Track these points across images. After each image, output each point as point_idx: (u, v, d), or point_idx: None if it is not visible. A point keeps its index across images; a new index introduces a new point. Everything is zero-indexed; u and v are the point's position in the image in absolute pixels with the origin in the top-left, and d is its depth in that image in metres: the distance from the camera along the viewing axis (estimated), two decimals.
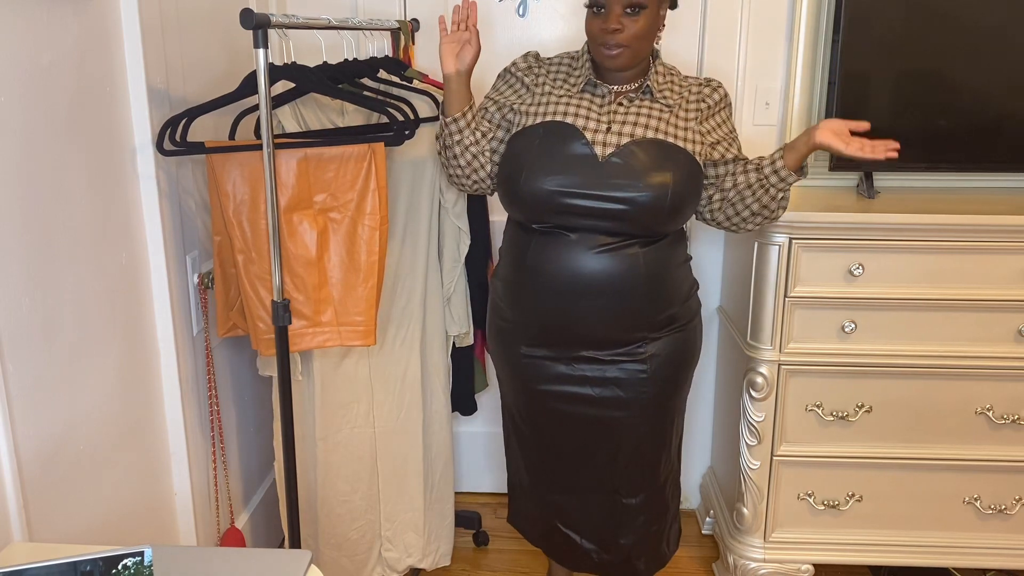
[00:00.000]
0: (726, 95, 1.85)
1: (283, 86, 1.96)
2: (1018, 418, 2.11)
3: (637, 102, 1.77)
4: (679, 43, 2.45)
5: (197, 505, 1.97)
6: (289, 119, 1.95)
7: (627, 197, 1.69)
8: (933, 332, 2.08)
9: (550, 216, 1.75)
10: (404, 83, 2.07)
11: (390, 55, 2.19)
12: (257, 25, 1.52)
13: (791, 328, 2.10)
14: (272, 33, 1.60)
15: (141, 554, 1.05)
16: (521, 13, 2.50)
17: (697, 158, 1.76)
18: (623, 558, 1.98)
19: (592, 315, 1.77)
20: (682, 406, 1.98)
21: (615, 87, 1.78)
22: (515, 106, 1.82)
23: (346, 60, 1.96)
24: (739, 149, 1.84)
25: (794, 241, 2.04)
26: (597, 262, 1.73)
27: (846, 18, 2.17)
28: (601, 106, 1.76)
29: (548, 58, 1.88)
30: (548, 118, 1.76)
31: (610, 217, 1.71)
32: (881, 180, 2.32)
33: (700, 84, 1.83)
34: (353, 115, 2.00)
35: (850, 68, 2.20)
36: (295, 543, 1.86)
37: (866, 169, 2.28)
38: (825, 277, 2.06)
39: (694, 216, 1.87)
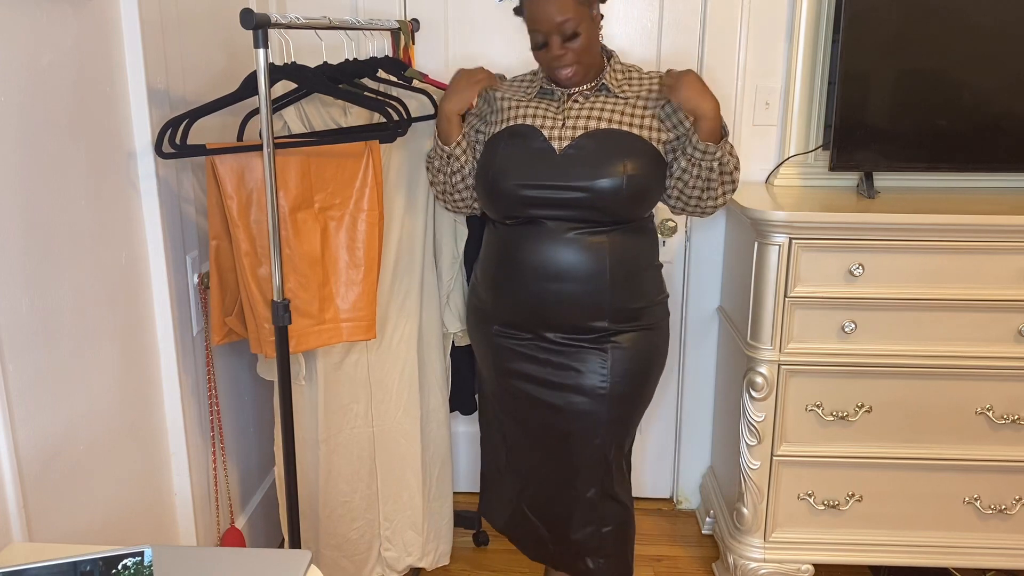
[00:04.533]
0: None
1: (283, 86, 1.96)
2: (1018, 418, 2.11)
3: (592, 98, 1.86)
4: (679, 43, 2.46)
5: (197, 505, 1.97)
6: (294, 119, 1.95)
7: (584, 185, 1.78)
8: (933, 332, 2.08)
9: (519, 209, 1.85)
10: (404, 83, 2.07)
11: (390, 55, 2.19)
12: (257, 25, 1.52)
13: (791, 328, 2.10)
14: (272, 33, 1.59)
15: (141, 554, 1.05)
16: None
17: (656, 145, 1.82)
18: (572, 553, 2.02)
19: (558, 300, 1.85)
20: (638, 413, 1.99)
21: (568, 90, 1.87)
22: (487, 117, 1.95)
23: (346, 60, 1.96)
24: None
25: (794, 241, 2.04)
26: (565, 249, 1.82)
27: (846, 18, 2.17)
28: (558, 107, 1.86)
29: (512, 77, 1.99)
30: (511, 123, 1.88)
31: (572, 206, 1.80)
32: (881, 180, 2.32)
33: (661, 76, 1.88)
34: (357, 114, 2.00)
35: (850, 68, 2.20)
36: (295, 544, 1.86)
37: (866, 169, 2.28)
38: (825, 277, 2.06)
39: (668, 207, 1.91)
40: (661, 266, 1.97)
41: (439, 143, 1.92)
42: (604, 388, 1.87)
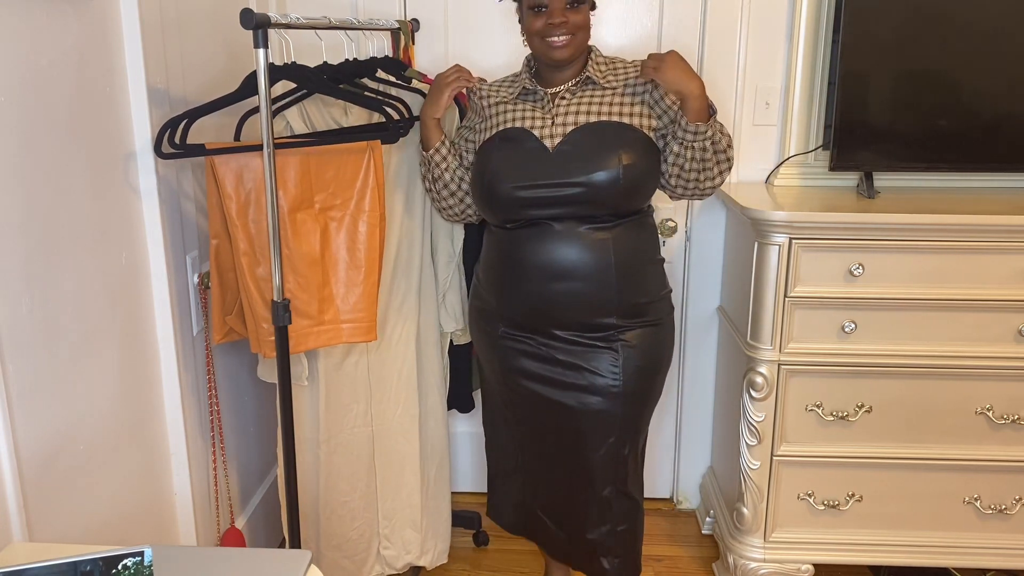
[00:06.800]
0: None
1: (283, 86, 1.96)
2: (1018, 418, 2.11)
3: (579, 94, 1.84)
4: (679, 43, 2.45)
5: (197, 505, 1.98)
6: (296, 119, 1.96)
7: (581, 180, 1.77)
8: (933, 332, 2.08)
9: (517, 212, 1.83)
10: (403, 83, 2.07)
11: (390, 55, 2.19)
12: (257, 25, 1.52)
13: (791, 328, 2.10)
14: (272, 33, 1.60)
15: (141, 554, 1.05)
16: None
17: (649, 133, 1.82)
18: (588, 553, 2.01)
19: (566, 298, 1.84)
20: (650, 409, 1.98)
21: (550, 89, 1.86)
22: (476, 126, 1.94)
23: (346, 60, 1.96)
24: None
25: (794, 241, 2.04)
26: (569, 248, 1.81)
27: (846, 18, 2.17)
28: (544, 107, 1.85)
29: (493, 80, 1.98)
30: (500, 128, 1.87)
31: (570, 202, 1.79)
32: (881, 180, 2.32)
33: (643, 60, 1.86)
34: (357, 114, 2.00)
35: (850, 68, 2.20)
36: (295, 544, 1.86)
37: (866, 169, 2.28)
38: (825, 277, 2.06)
39: (667, 194, 1.90)
40: (663, 260, 1.96)
41: (420, 149, 1.94)
42: (617, 387, 1.86)
